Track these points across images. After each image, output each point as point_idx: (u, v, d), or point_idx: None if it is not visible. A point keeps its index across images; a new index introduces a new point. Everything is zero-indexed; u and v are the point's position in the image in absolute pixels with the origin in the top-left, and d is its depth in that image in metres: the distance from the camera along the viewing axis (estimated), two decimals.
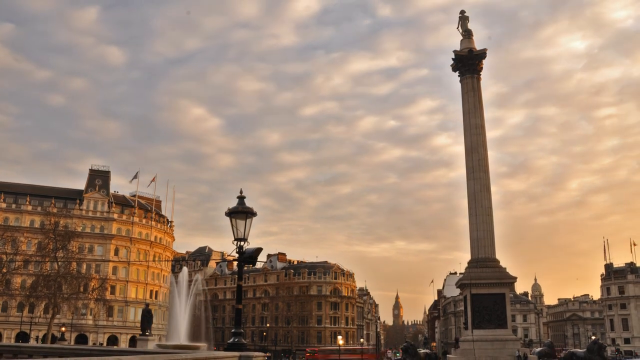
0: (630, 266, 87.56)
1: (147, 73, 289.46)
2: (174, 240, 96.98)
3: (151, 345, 26.32)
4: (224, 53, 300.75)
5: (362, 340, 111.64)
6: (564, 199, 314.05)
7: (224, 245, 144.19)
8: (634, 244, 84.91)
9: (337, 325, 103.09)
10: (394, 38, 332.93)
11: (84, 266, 67.76)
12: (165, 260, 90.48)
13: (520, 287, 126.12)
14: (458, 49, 29.74)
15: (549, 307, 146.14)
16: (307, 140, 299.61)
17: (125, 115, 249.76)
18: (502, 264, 33.76)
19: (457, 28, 30.24)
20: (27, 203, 77.54)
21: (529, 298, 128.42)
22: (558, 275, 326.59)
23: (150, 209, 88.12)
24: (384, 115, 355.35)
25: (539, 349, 40.48)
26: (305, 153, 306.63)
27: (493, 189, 32.01)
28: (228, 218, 11.86)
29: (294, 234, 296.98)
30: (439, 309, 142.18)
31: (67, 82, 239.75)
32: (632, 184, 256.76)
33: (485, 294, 32.23)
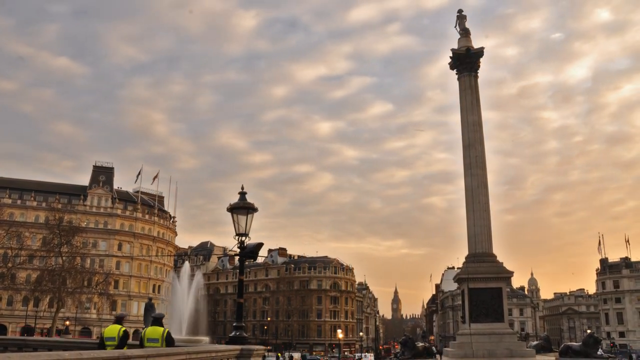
0: (625, 261, 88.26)
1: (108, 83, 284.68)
2: (176, 235, 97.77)
3: None
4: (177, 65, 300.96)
5: (361, 334, 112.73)
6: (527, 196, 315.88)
7: (226, 240, 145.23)
8: (628, 242, 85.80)
9: (336, 319, 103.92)
10: (336, 48, 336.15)
11: (88, 261, 68.54)
12: (167, 255, 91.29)
13: (517, 282, 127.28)
14: (456, 47, 30.12)
15: (545, 301, 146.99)
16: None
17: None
18: (499, 259, 34.28)
19: (455, 27, 30.56)
20: (32, 199, 78.23)
21: (526, 292, 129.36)
22: (554, 269, 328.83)
23: (153, 204, 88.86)
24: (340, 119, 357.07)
25: (535, 343, 41.09)
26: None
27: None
28: (224, 216, 12.19)
29: (296, 233, 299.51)
30: (437, 303, 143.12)
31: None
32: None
33: (483, 288, 32.72)
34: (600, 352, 34.49)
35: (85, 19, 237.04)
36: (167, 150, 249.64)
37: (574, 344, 37.31)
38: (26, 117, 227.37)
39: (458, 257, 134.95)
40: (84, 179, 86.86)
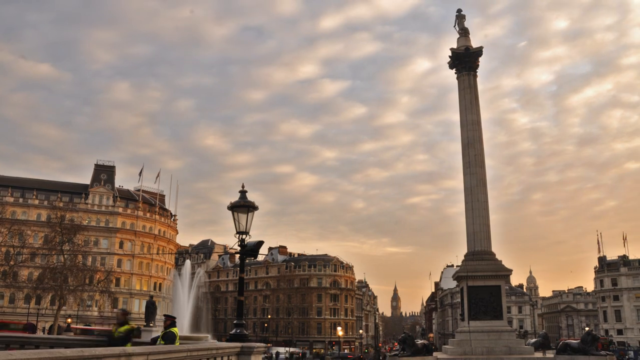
0: (623, 259, 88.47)
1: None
2: (177, 233, 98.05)
3: (155, 336, 26.79)
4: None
5: (361, 331, 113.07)
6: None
7: (227, 238, 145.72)
8: (626, 239, 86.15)
9: (336, 317, 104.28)
10: (310, 54, 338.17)
11: (90, 259, 68.85)
12: (168, 253, 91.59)
13: (516, 280, 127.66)
14: (455, 46, 30.31)
15: (543, 299, 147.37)
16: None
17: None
18: (498, 256, 34.48)
19: (454, 26, 30.69)
20: (34, 197, 78.51)
21: (524, 290, 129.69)
22: (552, 267, 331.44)
23: (154, 203, 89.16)
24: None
25: (534, 340, 41.30)
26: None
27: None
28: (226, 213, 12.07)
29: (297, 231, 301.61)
30: (436, 301, 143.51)
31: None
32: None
33: (482, 286, 32.93)
34: (604, 352, 34.64)
35: (64, 26, 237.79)
36: (151, 152, 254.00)
37: (573, 341, 37.43)
38: (8, 121, 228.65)
39: (457, 255, 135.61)
40: (85, 178, 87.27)
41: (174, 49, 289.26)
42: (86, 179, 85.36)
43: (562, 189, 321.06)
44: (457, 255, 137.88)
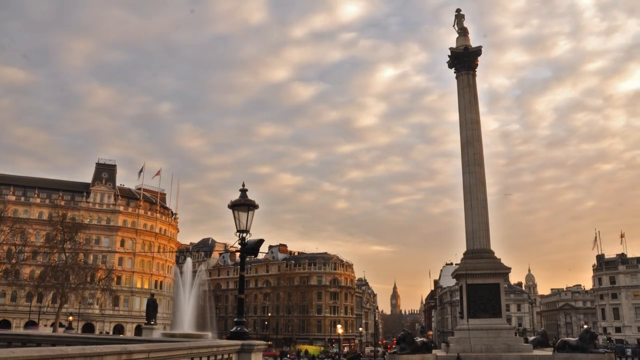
0: (621, 257, 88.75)
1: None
2: (178, 232, 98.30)
3: (156, 334, 26.66)
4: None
5: (360, 329, 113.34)
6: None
7: (227, 236, 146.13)
8: (623, 237, 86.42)
9: (336, 315, 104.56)
10: (280, 60, 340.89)
11: (91, 257, 69.05)
12: (169, 252, 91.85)
13: (515, 278, 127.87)
14: (454, 46, 30.46)
15: (542, 297, 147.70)
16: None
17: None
18: (497, 255, 34.65)
19: (453, 26, 30.80)
20: (36, 196, 78.76)
21: (523, 288, 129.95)
22: (551, 266, 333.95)
23: (155, 201, 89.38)
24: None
25: (532, 338, 41.48)
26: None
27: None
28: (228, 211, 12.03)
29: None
30: (436, 299, 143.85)
31: None
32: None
33: (481, 284, 33.11)
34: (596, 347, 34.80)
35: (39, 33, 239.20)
36: (134, 154, 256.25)
37: (571, 339, 37.63)
38: None
39: (456, 254, 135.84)
40: (86, 177, 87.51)
41: (148, 56, 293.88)
42: (87, 178, 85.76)
43: (538, 189, 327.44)
44: (457, 253, 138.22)
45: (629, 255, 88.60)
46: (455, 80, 31.10)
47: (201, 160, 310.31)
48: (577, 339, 35.24)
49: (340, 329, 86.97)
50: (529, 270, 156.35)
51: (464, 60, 30.12)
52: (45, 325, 61.01)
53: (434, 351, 33.69)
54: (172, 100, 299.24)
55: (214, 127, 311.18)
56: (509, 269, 34.76)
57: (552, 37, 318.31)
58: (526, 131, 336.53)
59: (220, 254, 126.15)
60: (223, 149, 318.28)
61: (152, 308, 31.92)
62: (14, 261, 53.58)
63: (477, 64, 30.60)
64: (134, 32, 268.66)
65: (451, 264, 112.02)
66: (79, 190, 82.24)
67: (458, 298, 45.36)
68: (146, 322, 32.31)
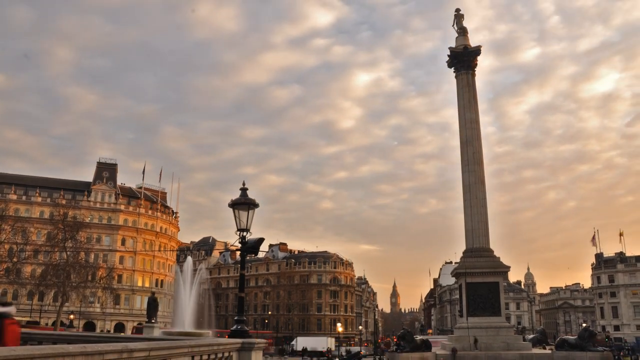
0: (620, 256, 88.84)
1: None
2: (178, 230, 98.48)
3: (157, 332, 26.90)
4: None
5: (360, 327, 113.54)
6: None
7: (228, 235, 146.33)
8: (622, 235, 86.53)
9: (336, 313, 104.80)
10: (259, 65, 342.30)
11: (92, 256, 69.11)
12: (170, 250, 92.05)
13: (514, 276, 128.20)
14: (453, 45, 30.52)
15: (541, 295, 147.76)
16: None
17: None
18: (496, 253, 34.79)
19: (453, 26, 30.85)
20: (37, 195, 78.92)
21: (522, 287, 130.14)
22: (550, 264, 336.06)
23: (155, 200, 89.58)
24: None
25: (531, 336, 41.70)
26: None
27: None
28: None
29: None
30: (435, 297, 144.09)
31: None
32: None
33: (480, 283, 33.29)
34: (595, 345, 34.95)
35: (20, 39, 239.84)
36: (118, 155, 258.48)
37: (570, 337, 37.87)
38: None
39: (456, 252, 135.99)
40: (87, 176, 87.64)
41: (129, 61, 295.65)
42: (88, 177, 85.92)
43: (522, 189, 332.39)
44: (456, 252, 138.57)
45: (628, 254, 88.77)
46: (455, 80, 31.22)
47: (184, 161, 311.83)
48: (576, 337, 35.45)
49: (340, 327, 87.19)
50: (528, 269, 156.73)
51: (464, 59, 30.22)
52: (47, 324, 61.28)
53: (433, 349, 33.85)
54: (154, 103, 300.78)
55: (194, 129, 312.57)
56: (508, 267, 34.92)
57: (521, 42, 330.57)
58: (503, 133, 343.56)
59: (220, 253, 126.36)
60: (208, 150, 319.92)
61: (152, 306, 32.09)
62: (15, 260, 53.67)
63: (476, 64, 30.65)
64: (114, 39, 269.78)
65: (451, 262, 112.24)
66: (80, 189, 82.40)
67: (457, 296, 45.58)
68: (147, 320, 32.46)
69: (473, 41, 29.18)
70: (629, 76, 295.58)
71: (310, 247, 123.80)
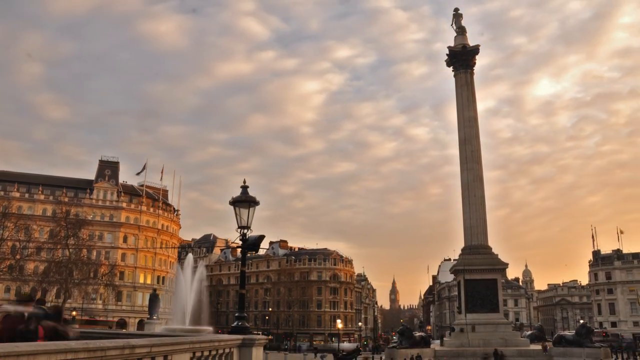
0: (617, 253, 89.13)
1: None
2: (180, 227, 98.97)
3: (158, 329, 26.97)
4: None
5: (360, 324, 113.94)
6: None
7: (228, 232, 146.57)
8: (621, 232, 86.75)
9: (336, 310, 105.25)
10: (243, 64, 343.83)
11: (94, 253, 69.74)
12: (171, 247, 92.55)
13: (512, 273, 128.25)
14: (452, 45, 30.72)
15: (539, 292, 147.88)
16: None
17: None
18: (494, 250, 35.10)
19: (451, 25, 31.03)
20: (40, 192, 79.26)
21: (520, 283, 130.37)
22: (548, 261, 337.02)
23: (157, 198, 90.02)
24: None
25: (529, 332, 42.05)
26: None
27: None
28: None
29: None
30: (434, 294, 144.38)
31: None
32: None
33: (478, 280, 33.59)
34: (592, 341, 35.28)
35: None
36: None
37: (567, 333, 38.16)
38: None
39: (454, 249, 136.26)
40: (89, 174, 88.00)
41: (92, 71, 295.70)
42: (90, 175, 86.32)
43: (509, 187, 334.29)
44: (455, 249, 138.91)
45: (625, 251, 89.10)
46: (454, 79, 31.46)
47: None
48: (573, 333, 35.83)
49: (339, 324, 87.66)
50: (526, 266, 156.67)
51: (462, 58, 30.44)
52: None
53: (432, 345, 34.25)
54: (121, 110, 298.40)
55: (165, 133, 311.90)
56: (507, 264, 35.23)
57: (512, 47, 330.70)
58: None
59: (221, 250, 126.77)
60: (175, 154, 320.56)
61: (154, 303, 32.50)
62: (18, 257, 54.13)
63: (474, 63, 30.85)
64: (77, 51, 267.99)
65: (449, 259, 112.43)
66: (82, 187, 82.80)
67: (456, 293, 45.92)
68: (148, 316, 32.86)
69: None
70: None
71: (310, 244, 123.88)
